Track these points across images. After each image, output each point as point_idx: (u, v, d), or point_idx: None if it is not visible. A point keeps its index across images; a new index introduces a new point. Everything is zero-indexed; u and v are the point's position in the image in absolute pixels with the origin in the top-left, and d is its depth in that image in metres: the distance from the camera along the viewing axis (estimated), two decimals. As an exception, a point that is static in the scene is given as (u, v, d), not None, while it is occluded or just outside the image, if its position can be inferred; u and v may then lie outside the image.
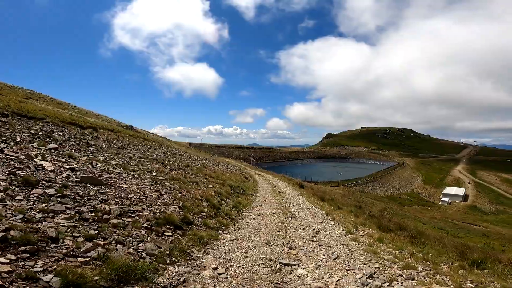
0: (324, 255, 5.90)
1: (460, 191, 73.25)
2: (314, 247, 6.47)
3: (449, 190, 74.04)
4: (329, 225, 9.03)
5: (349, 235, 7.75)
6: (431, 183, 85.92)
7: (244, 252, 5.68)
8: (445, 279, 4.80)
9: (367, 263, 5.49)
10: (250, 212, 9.95)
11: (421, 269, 5.23)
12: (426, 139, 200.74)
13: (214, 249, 5.66)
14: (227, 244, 6.07)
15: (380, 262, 5.57)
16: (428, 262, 5.75)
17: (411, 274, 4.94)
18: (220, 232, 6.94)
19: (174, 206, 7.13)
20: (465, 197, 70.44)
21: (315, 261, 5.51)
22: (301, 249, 6.24)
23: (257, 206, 11.28)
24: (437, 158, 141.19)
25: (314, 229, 8.30)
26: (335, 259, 5.68)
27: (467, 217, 49.35)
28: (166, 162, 14.07)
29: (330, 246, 6.62)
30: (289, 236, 7.33)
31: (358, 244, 6.86)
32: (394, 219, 12.49)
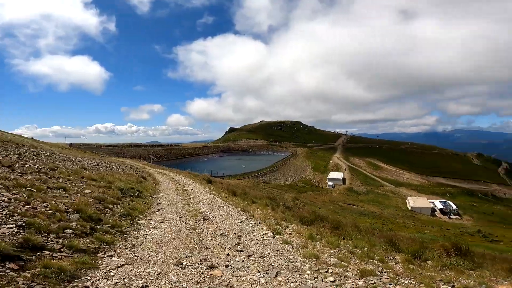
0: (260, 272, 4.44)
1: (340, 175, 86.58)
2: (243, 260, 4.95)
3: (332, 175, 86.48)
4: (250, 225, 7.70)
5: (277, 236, 6.61)
6: (318, 170, 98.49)
7: (142, 287, 3.67)
8: (413, 282, 4.15)
9: (317, 276, 4.36)
10: (150, 219, 7.68)
11: (379, 273, 4.48)
12: (312, 130, 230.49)
13: (86, 288, 3.36)
14: (112, 275, 3.90)
15: (330, 270, 4.58)
16: (375, 261, 5.16)
17: (374, 283, 4.08)
18: (102, 254, 4.59)
19: (9, 226, 4.35)
20: (344, 180, 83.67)
21: (251, 284, 3.93)
22: (226, 266, 4.61)
23: (159, 210, 9.12)
24: (321, 147, 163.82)
25: (235, 232, 6.81)
26: (276, 276, 4.29)
27: (348, 198, 58.51)
28: (17, 165, 9.82)
29: (262, 256, 5.23)
30: (206, 248, 5.61)
31: (293, 248, 5.79)
32: (307, 209, 12.39)
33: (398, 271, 4.62)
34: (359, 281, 4.17)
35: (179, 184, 16.65)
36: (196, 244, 5.82)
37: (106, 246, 4.96)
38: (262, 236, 6.61)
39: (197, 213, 8.85)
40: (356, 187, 75.72)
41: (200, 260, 4.83)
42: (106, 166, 19.36)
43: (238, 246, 5.77)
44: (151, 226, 6.99)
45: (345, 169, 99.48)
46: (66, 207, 5.97)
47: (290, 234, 6.99)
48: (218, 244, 5.87)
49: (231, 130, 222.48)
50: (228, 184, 20.15)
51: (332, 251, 5.69)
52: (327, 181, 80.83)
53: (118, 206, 7.89)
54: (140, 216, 7.78)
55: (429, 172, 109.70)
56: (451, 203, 63.83)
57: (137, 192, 10.58)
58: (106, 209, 7.17)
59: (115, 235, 5.65)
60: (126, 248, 5.12)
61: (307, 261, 5.01)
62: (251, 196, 14.52)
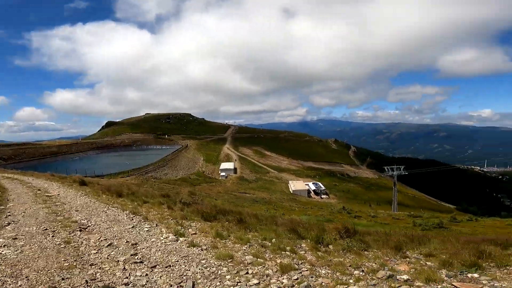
0: (172, 286, 3.65)
1: (231, 165, 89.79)
2: (147, 274, 3.98)
3: (224, 165, 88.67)
4: (145, 229, 6.47)
5: (181, 239, 5.74)
6: (210, 161, 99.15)
7: None
8: (329, 271, 4.19)
9: (239, 280, 3.89)
10: None
11: (296, 265, 4.43)
12: (202, 122, 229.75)
13: None
14: None
15: (250, 271, 4.19)
16: (288, 252, 5.10)
17: (297, 279, 3.95)
18: None
19: None
20: (235, 170, 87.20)
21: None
22: (126, 285, 3.66)
23: (9, 224, 6.92)
24: (212, 138, 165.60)
25: (127, 241, 5.55)
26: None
27: (240, 187, 61.23)
28: None
29: (170, 265, 4.33)
30: (92, 264, 4.34)
31: (202, 250, 5.12)
32: (207, 203, 11.74)
33: (312, 261, 4.66)
34: (283, 279, 3.95)
35: (39, 190, 12.99)
36: (75, 261, 4.44)
37: None
38: (163, 241, 5.65)
39: (69, 222, 6.91)
40: (246, 176, 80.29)
41: (86, 281, 3.66)
42: None
43: (136, 257, 4.69)
44: (-2, 246, 4.92)
45: (235, 160, 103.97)
46: None
47: (195, 234, 6.24)
48: (108, 258, 4.64)
49: (110, 124, 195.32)
50: (109, 184, 17.06)
51: (244, 248, 5.34)
52: (219, 172, 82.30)
53: None
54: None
55: (303, 157, 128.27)
56: (320, 184, 76.14)
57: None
58: None
59: None
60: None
61: (222, 263, 4.47)
62: (141, 195, 12.66)
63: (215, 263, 4.49)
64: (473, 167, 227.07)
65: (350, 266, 4.41)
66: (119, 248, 5.13)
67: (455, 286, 3.67)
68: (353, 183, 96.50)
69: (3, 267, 4.14)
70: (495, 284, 3.74)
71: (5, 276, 3.83)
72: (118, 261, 4.50)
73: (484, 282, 3.83)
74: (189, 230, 6.53)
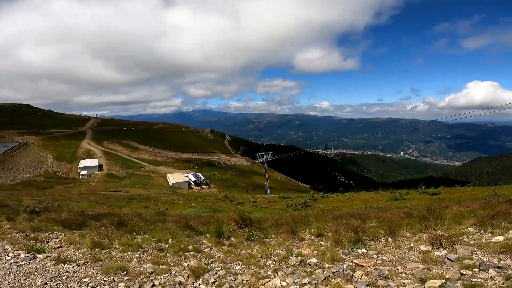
0: None
1: (94, 162, 76.60)
2: None
3: (84, 163, 74.71)
4: None
5: (40, 256, 4.24)
6: (64, 159, 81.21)
7: None
8: (243, 266, 4.00)
9: None
10: None
11: (208, 266, 4.07)
12: (48, 114, 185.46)
13: None
14: None
15: (156, 282, 3.56)
16: (192, 252, 4.64)
17: (215, 281, 3.66)
18: None
19: None
20: (100, 167, 74.91)
21: None
22: None
23: None
24: (64, 132, 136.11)
25: None
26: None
27: (110, 186, 52.83)
28: None
29: None
30: None
31: (79, 266, 3.87)
32: (69, 208, 8.94)
33: (221, 258, 4.32)
34: (200, 284, 3.46)
35: None
36: None
37: None
38: (12, 261, 4.10)
39: None
40: (116, 172, 70.34)
41: None
42: None
43: None
44: None
45: (100, 156, 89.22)
46: None
47: (60, 247, 4.79)
48: None
49: None
50: None
51: (137, 255, 4.46)
52: (78, 171, 68.52)
53: None
54: None
55: (180, 149, 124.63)
56: (200, 175, 75.89)
57: None
58: None
59: None
60: None
61: (115, 279, 3.52)
62: None
63: (105, 279, 3.46)
64: (318, 150, 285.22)
65: (261, 257, 4.30)
66: None
67: (355, 263, 3.94)
68: (230, 171, 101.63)
69: None
70: (383, 258, 4.16)
71: None
72: None
73: (374, 257, 4.20)
74: (50, 243, 4.91)
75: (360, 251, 4.45)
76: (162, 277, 3.65)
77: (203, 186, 69.11)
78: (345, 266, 3.80)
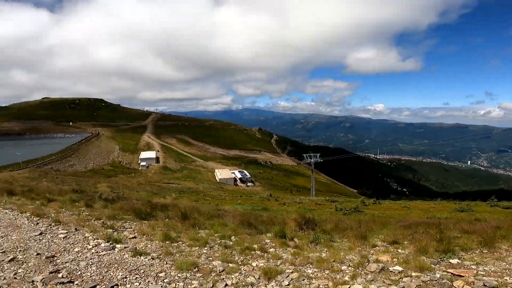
0: None
1: (152, 154, 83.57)
2: None
3: (144, 154, 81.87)
4: (60, 235, 4.88)
5: (118, 246, 4.49)
6: (128, 150, 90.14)
7: None
8: (316, 270, 3.85)
9: None
10: None
11: (280, 268, 3.91)
12: (117, 108, 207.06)
13: None
14: None
15: (228, 282, 3.53)
16: (258, 252, 4.56)
17: (289, 285, 3.54)
18: None
19: None
20: (157, 159, 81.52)
21: None
22: None
23: None
24: (129, 125, 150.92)
25: (38, 253, 4.10)
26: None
27: (164, 177, 57.36)
28: None
29: (118, 285, 3.30)
30: None
31: (153, 259, 4.03)
32: (136, 197, 10.10)
33: (290, 260, 4.20)
34: (273, 287, 3.46)
35: None
36: None
37: None
38: (93, 250, 4.35)
39: None
40: (170, 165, 75.95)
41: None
42: None
43: (60, 274, 3.44)
44: None
45: (158, 149, 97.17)
46: None
47: (134, 238, 5.03)
48: (16, 278, 3.34)
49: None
50: None
51: (204, 251, 4.53)
52: (139, 162, 75.59)
53: None
54: None
55: (228, 146, 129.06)
56: (246, 172, 77.87)
57: None
58: None
59: None
60: None
61: (188, 275, 3.56)
62: (43, 191, 10.10)
63: (179, 275, 3.57)
64: (369, 154, 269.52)
65: (333, 261, 4.11)
66: (29, 264, 3.72)
67: (451, 273, 3.69)
68: (275, 171, 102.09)
69: None
70: (485, 268, 3.90)
71: None
72: (34, 281, 3.22)
73: (473, 267, 3.95)
74: (125, 233, 5.25)
75: (452, 261, 4.23)
76: (233, 276, 3.68)
77: (248, 184, 70.77)
78: (437, 275, 3.61)
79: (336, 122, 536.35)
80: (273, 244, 5.03)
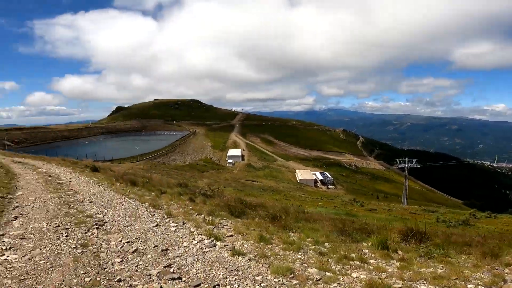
0: None
1: (238, 152, 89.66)
2: None
3: (231, 152, 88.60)
4: (172, 228, 5.70)
5: (218, 244, 4.85)
6: (218, 147, 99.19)
7: None
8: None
9: None
10: (1, 235, 4.98)
11: (383, 281, 3.63)
12: (210, 108, 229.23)
13: None
14: None
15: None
16: (357, 262, 4.26)
17: None
18: None
19: None
20: (242, 157, 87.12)
21: None
22: None
23: (16, 217, 6.10)
24: (219, 124, 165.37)
25: (156, 245, 4.73)
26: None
27: (248, 175, 61.16)
28: None
29: (219, 285, 3.54)
30: (119, 280, 3.55)
31: (250, 260, 4.18)
32: (229, 195, 11.30)
33: (398, 274, 3.83)
34: None
35: (49, 176, 12.47)
36: (97, 273, 3.65)
37: None
38: (198, 246, 4.73)
39: (83, 217, 6.20)
40: (254, 163, 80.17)
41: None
42: None
43: (171, 269, 3.87)
44: (3, 247, 4.39)
45: (243, 147, 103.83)
46: None
47: (231, 236, 5.35)
48: (137, 270, 3.83)
49: (120, 109, 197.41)
50: (121, 171, 16.71)
51: (299, 256, 4.44)
52: (227, 159, 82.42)
53: None
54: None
55: (310, 146, 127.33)
56: (328, 174, 75.40)
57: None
58: None
59: None
60: None
61: (284, 281, 3.56)
62: (156, 184, 12.08)
63: (275, 280, 3.59)
64: (483, 162, 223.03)
65: (456, 279, 3.65)
66: (148, 256, 4.32)
67: None
68: (360, 174, 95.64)
69: (10, 282, 3.41)
70: None
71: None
72: (151, 275, 3.69)
73: None
74: (223, 230, 5.70)
75: None
76: (331, 286, 3.44)
77: (329, 186, 68.55)
78: None
79: (438, 124, 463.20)
80: (373, 255, 4.63)
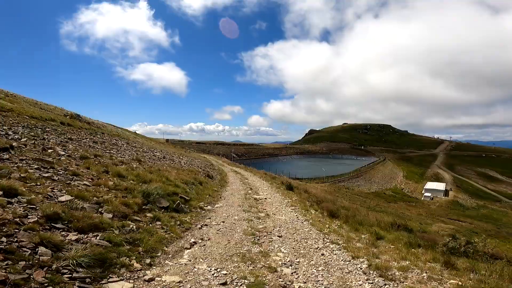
0: None
1: (441, 186, 73.30)
2: None
3: (430, 185, 73.94)
4: None
5: None
6: (412, 178, 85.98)
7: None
8: None
9: None
10: (150, 279, 3.60)
11: None
12: (404, 134, 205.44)
13: None
14: None
15: None
16: None
17: None
18: None
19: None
20: (446, 192, 70.43)
21: None
22: None
23: (192, 244, 5.11)
24: (416, 153, 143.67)
25: None
26: None
27: (451, 213, 48.47)
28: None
29: None
30: None
31: None
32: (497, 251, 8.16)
33: None
34: None
35: (250, 189, 13.28)
36: None
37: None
38: None
39: (264, 269, 4.27)
40: (462, 201, 62.58)
41: None
42: (173, 160, 18.91)
43: None
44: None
45: (448, 182, 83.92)
46: None
47: None
48: None
49: (312, 132, 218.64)
50: (319, 197, 14.32)
51: None
52: (423, 192, 69.43)
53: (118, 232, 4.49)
54: (156, 252, 4.42)
55: None
56: None
57: (178, 202, 7.18)
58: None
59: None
60: None
61: None
62: (363, 219, 8.32)
63: None
64: None
65: None
66: None
67: None
68: None
69: None
70: None
71: None
72: None
73: None
74: None
75: None
76: None
77: None
78: None
79: None
80: None
